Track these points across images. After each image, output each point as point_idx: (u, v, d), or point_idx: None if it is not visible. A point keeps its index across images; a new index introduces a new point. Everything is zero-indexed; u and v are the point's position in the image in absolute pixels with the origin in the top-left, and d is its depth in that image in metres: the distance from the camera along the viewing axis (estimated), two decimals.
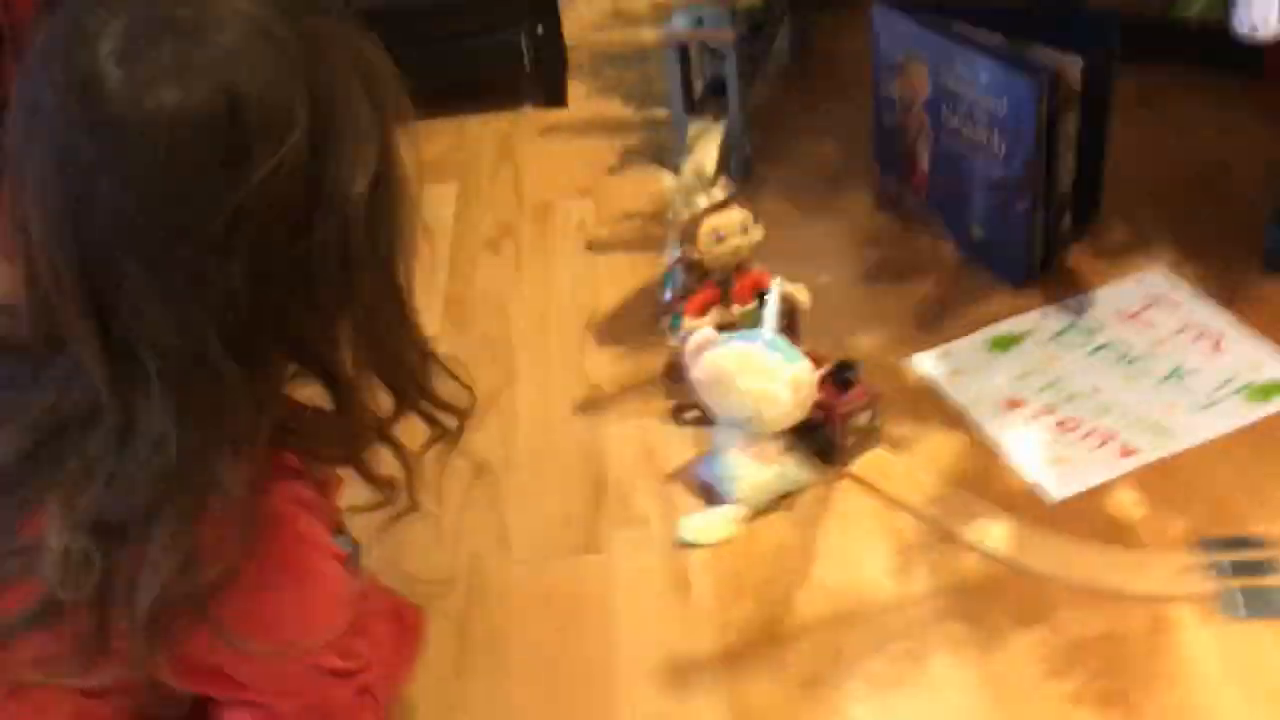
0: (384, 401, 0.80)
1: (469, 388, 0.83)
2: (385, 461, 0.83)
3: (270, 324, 0.68)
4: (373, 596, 0.94)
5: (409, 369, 0.78)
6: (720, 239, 1.22)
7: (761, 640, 1.09)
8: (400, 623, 0.99)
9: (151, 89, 0.63)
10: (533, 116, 1.89)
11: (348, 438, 0.77)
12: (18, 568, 0.66)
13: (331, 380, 0.74)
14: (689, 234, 1.24)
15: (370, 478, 0.80)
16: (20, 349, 0.69)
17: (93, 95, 0.63)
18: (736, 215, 1.23)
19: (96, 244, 0.64)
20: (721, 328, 1.21)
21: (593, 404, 1.36)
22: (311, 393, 0.77)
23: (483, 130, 1.87)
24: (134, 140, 0.63)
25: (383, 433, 0.79)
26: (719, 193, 1.24)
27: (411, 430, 0.84)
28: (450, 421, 0.82)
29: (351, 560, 0.89)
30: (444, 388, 0.82)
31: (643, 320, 1.46)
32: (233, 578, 0.67)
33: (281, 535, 0.72)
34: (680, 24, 1.58)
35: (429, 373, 0.80)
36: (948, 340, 1.36)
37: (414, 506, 0.83)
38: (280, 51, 0.66)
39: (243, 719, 0.78)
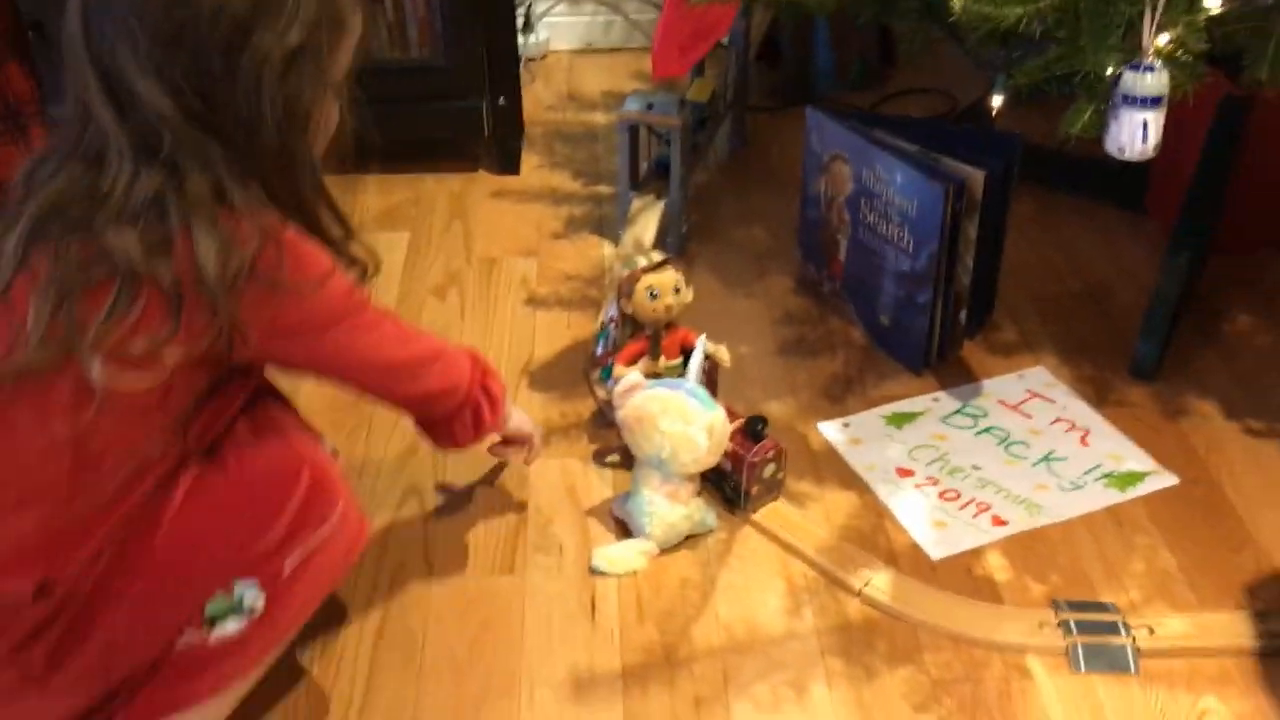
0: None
1: (345, 220, 1.06)
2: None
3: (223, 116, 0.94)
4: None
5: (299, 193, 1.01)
6: (654, 296, 1.35)
7: (659, 663, 1.19)
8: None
9: None
10: (486, 180, 2.02)
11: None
12: (101, 273, 0.89)
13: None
14: (626, 289, 1.36)
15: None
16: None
17: None
18: (670, 276, 1.36)
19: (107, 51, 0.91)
20: (648, 377, 1.33)
21: None
22: None
23: (438, 188, 2.00)
24: None
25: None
26: (656, 255, 1.37)
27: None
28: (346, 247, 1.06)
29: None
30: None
31: (574, 371, 1.57)
32: (261, 255, 0.92)
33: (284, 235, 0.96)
34: (633, 107, 1.73)
35: (318, 203, 1.03)
36: (850, 413, 1.50)
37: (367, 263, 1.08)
38: None
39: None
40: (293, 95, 0.95)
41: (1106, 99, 1.06)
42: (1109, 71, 1.02)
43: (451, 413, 1.19)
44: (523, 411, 1.34)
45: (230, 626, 1.01)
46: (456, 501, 1.37)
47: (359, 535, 1.07)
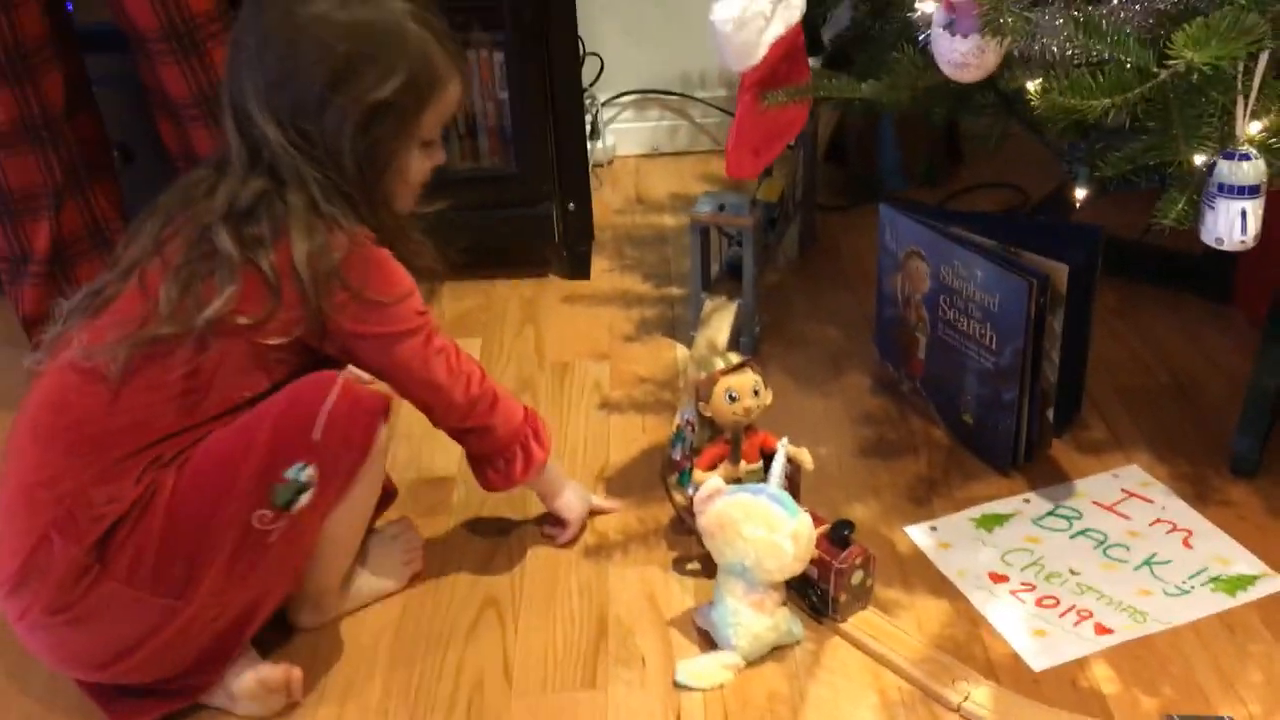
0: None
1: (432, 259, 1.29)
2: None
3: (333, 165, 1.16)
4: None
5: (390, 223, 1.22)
6: (733, 399, 1.32)
7: None
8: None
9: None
10: (557, 285, 2.03)
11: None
12: (213, 263, 1.12)
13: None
14: (704, 392, 1.34)
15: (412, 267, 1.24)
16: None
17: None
18: (749, 378, 1.33)
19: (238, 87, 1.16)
20: (729, 482, 1.29)
21: (599, 549, 1.43)
22: None
23: (509, 293, 2.00)
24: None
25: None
26: (734, 357, 1.35)
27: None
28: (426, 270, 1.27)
29: None
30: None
31: (650, 476, 1.54)
32: (349, 262, 1.14)
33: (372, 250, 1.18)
34: (705, 208, 1.73)
35: (403, 231, 1.25)
36: (936, 516, 1.45)
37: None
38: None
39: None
40: (374, 142, 1.15)
41: (1199, 189, 1.03)
42: (1201, 161, 0.99)
43: (489, 454, 1.32)
44: (580, 493, 1.44)
45: (302, 500, 1.16)
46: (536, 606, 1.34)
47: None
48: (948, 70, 1.11)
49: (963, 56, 1.08)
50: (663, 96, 2.48)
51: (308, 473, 1.15)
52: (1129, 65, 0.96)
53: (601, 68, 2.37)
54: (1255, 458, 1.46)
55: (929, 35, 1.27)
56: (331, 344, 1.19)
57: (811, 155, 2.02)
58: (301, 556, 1.21)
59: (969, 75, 1.09)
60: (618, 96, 2.46)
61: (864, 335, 1.81)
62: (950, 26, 1.09)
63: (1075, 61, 1.12)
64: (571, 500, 1.42)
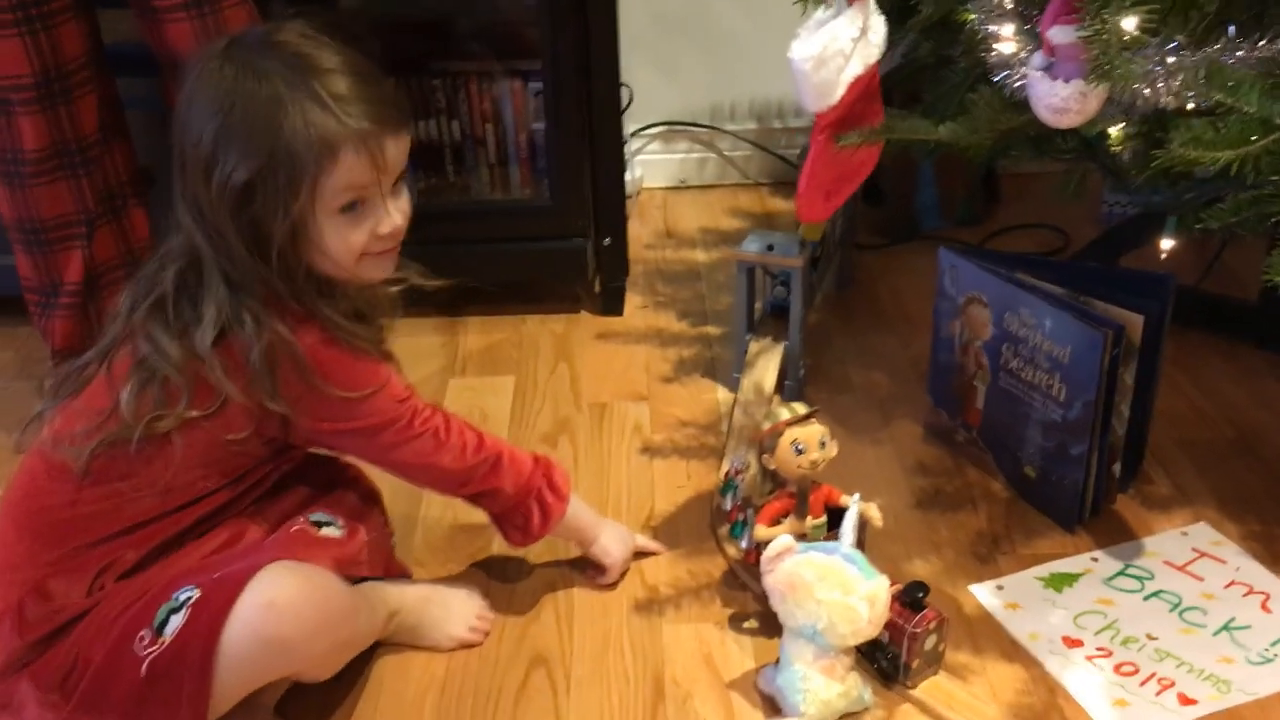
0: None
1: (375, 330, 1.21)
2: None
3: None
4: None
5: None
6: (800, 451, 1.26)
7: None
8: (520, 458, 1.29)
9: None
10: (589, 321, 1.97)
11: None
12: (161, 362, 1.09)
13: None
14: (769, 443, 1.28)
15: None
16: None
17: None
18: (816, 430, 1.27)
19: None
20: (794, 538, 1.23)
21: (650, 604, 1.36)
22: None
23: (540, 329, 1.94)
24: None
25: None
26: (800, 407, 1.29)
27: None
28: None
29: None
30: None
31: (699, 525, 1.48)
32: (298, 355, 1.10)
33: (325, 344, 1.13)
34: (752, 247, 1.67)
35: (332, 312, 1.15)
36: (1002, 574, 1.39)
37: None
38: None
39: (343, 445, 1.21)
40: (254, 222, 1.08)
41: None
42: None
43: (504, 513, 1.29)
44: (619, 535, 1.39)
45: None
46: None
47: None
48: (1045, 116, 1.06)
49: (1063, 101, 1.03)
50: (692, 128, 2.43)
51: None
52: (1251, 116, 0.91)
53: (630, 99, 2.32)
54: None
55: (1007, 76, 1.22)
56: (298, 438, 1.17)
57: (852, 194, 1.97)
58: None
59: (1068, 121, 1.04)
60: (646, 128, 2.41)
61: (911, 379, 1.75)
62: (1050, 70, 1.04)
63: (1172, 107, 1.08)
64: (608, 544, 1.37)
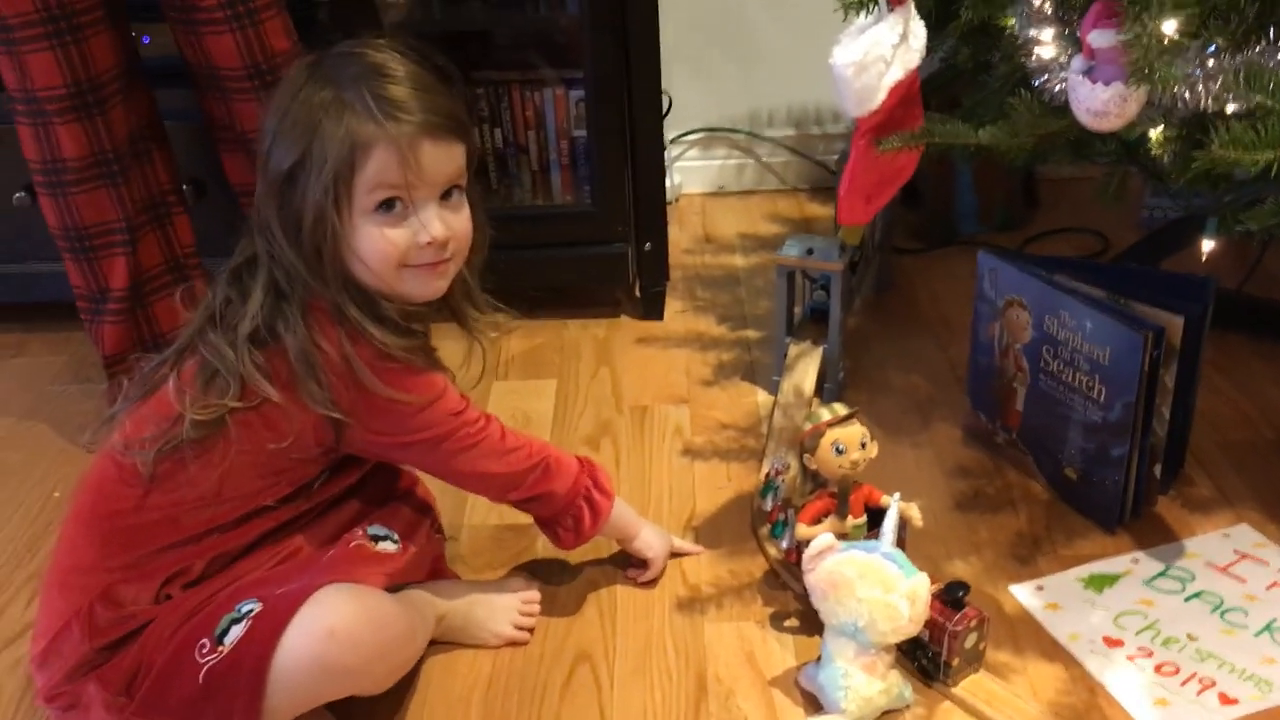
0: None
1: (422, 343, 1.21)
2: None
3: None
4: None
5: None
6: (841, 451, 1.28)
7: None
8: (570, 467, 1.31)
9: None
10: (630, 326, 1.99)
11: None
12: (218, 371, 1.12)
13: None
14: (810, 444, 1.29)
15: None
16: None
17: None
18: (857, 430, 1.29)
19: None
20: (836, 538, 1.25)
21: (692, 603, 1.38)
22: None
23: (582, 334, 1.97)
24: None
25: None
26: (840, 408, 1.31)
27: None
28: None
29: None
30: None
31: (740, 526, 1.50)
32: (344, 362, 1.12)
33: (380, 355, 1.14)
34: (792, 251, 1.69)
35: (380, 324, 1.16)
36: (1042, 574, 1.40)
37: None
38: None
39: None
40: (296, 212, 1.10)
41: None
42: None
43: (555, 516, 1.31)
44: (658, 532, 1.42)
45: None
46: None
47: None
48: (1085, 120, 1.07)
49: (1103, 105, 1.04)
50: (730, 135, 2.45)
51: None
52: None
53: (670, 105, 2.35)
54: None
55: (1046, 80, 1.24)
56: (353, 447, 1.18)
57: (891, 198, 1.98)
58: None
59: (1108, 124, 1.06)
60: (685, 134, 2.44)
61: (950, 382, 1.76)
62: (1090, 74, 1.05)
63: (1212, 110, 1.09)
64: (650, 539, 1.40)
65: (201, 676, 1.07)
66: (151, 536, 1.13)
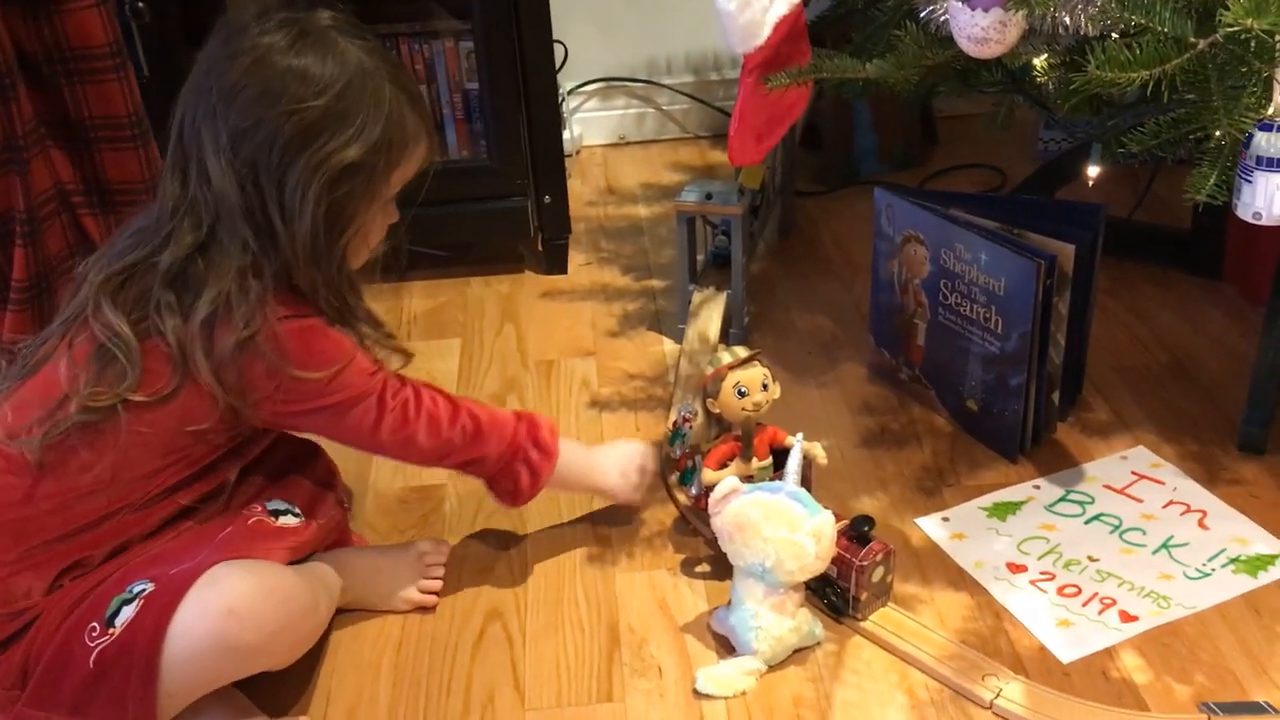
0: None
1: (378, 322, 1.19)
2: None
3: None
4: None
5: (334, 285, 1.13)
6: (743, 394, 1.27)
7: None
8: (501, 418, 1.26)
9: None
10: (534, 280, 1.96)
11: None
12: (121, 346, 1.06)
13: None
14: (712, 388, 1.29)
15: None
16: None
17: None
18: (758, 372, 1.28)
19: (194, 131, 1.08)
20: (740, 480, 1.24)
21: (603, 555, 1.37)
22: None
23: (485, 290, 1.94)
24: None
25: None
26: (741, 351, 1.30)
27: None
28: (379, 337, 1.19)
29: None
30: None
31: None
32: (270, 338, 1.07)
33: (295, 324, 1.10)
34: (690, 197, 1.67)
35: (348, 303, 1.15)
36: (947, 506, 1.41)
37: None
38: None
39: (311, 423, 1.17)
40: (338, 203, 1.07)
41: (1233, 162, 1.00)
42: (1243, 133, 0.96)
43: (492, 478, 1.28)
44: (617, 464, 1.36)
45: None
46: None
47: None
48: (967, 46, 1.06)
49: (984, 31, 1.04)
50: (629, 84, 2.42)
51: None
52: (1165, 36, 0.92)
53: (565, 56, 2.31)
54: (1263, 435, 1.45)
55: (931, 11, 1.23)
56: (259, 417, 1.13)
57: (790, 140, 1.97)
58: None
59: (990, 51, 1.05)
60: (583, 85, 2.40)
61: (855, 322, 1.77)
62: (969, 1, 1.05)
63: (1088, 35, 1.09)
64: (607, 481, 1.35)
65: (92, 660, 1.03)
66: (43, 527, 1.08)
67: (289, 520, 1.20)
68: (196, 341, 1.05)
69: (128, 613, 1.04)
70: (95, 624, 1.04)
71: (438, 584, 1.32)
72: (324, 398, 1.12)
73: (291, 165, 1.05)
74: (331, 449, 1.33)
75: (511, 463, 1.26)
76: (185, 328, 1.05)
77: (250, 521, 1.17)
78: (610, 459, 1.37)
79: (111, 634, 1.04)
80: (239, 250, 1.06)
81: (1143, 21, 0.92)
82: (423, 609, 1.31)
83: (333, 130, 1.05)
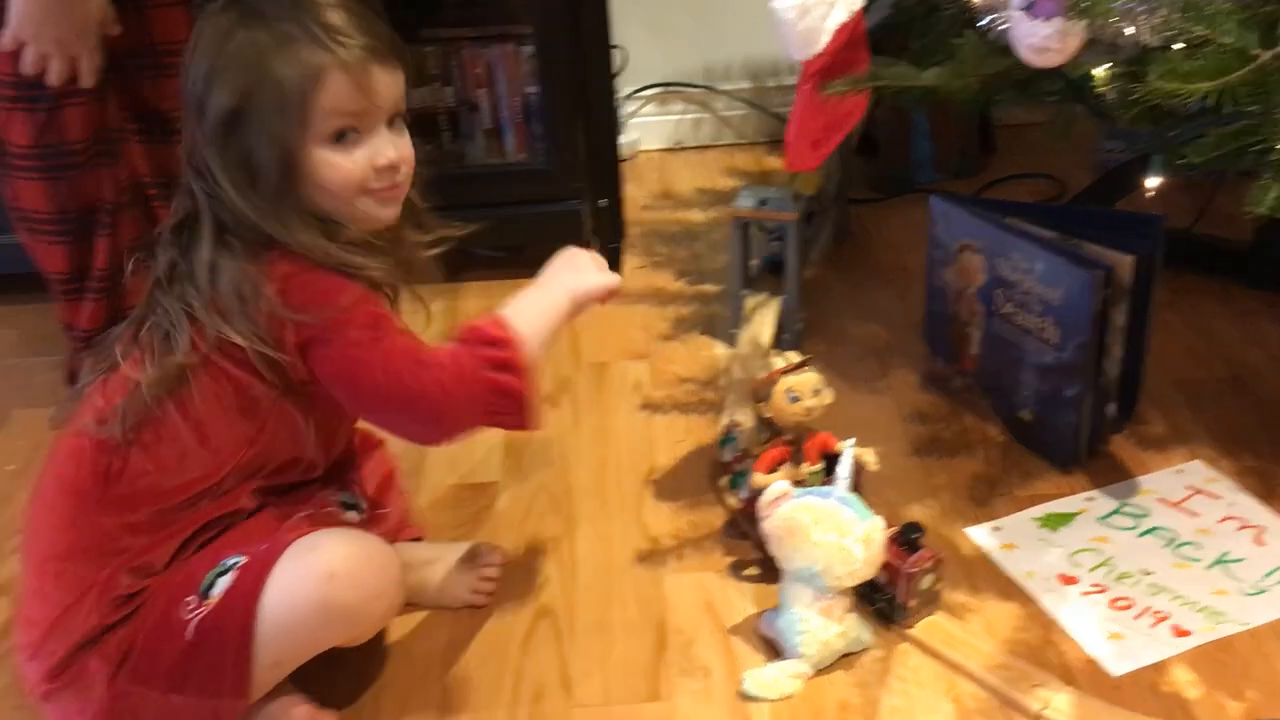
0: None
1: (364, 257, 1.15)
2: None
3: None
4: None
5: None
6: (795, 399, 1.28)
7: None
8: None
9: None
10: None
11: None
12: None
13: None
14: (764, 392, 1.30)
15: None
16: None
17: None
18: (810, 378, 1.29)
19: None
20: (790, 485, 1.25)
21: (652, 555, 1.39)
22: None
23: None
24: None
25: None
26: (794, 356, 1.31)
27: None
28: None
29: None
30: None
31: (699, 479, 1.50)
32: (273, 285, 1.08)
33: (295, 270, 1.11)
34: (745, 203, 1.68)
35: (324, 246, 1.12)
36: (998, 515, 1.41)
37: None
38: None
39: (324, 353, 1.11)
40: (245, 151, 1.08)
41: None
42: None
43: (494, 422, 1.16)
44: (565, 280, 1.28)
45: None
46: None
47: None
48: (1027, 56, 1.06)
49: (1044, 40, 1.04)
50: (686, 89, 2.43)
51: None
52: (1228, 47, 0.92)
53: (624, 61, 2.32)
54: None
55: (992, 20, 1.23)
56: (295, 370, 1.10)
57: (846, 147, 1.97)
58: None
59: (1050, 60, 1.05)
60: (641, 90, 2.42)
61: (908, 330, 1.77)
62: (1030, 9, 1.05)
63: (1151, 45, 1.09)
64: (573, 293, 1.27)
65: (189, 632, 1.06)
66: (145, 499, 1.10)
67: (353, 516, 1.23)
68: (208, 303, 1.09)
69: (223, 583, 1.07)
70: (191, 597, 1.08)
71: (491, 585, 1.34)
72: (343, 331, 1.09)
73: (196, 136, 1.10)
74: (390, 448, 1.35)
75: (491, 414, 1.14)
76: (196, 292, 1.09)
77: (325, 510, 1.20)
78: (559, 280, 1.28)
79: (208, 604, 1.07)
80: (209, 219, 1.10)
81: (1206, 33, 0.91)
82: (472, 606, 1.33)
83: (213, 90, 1.08)
